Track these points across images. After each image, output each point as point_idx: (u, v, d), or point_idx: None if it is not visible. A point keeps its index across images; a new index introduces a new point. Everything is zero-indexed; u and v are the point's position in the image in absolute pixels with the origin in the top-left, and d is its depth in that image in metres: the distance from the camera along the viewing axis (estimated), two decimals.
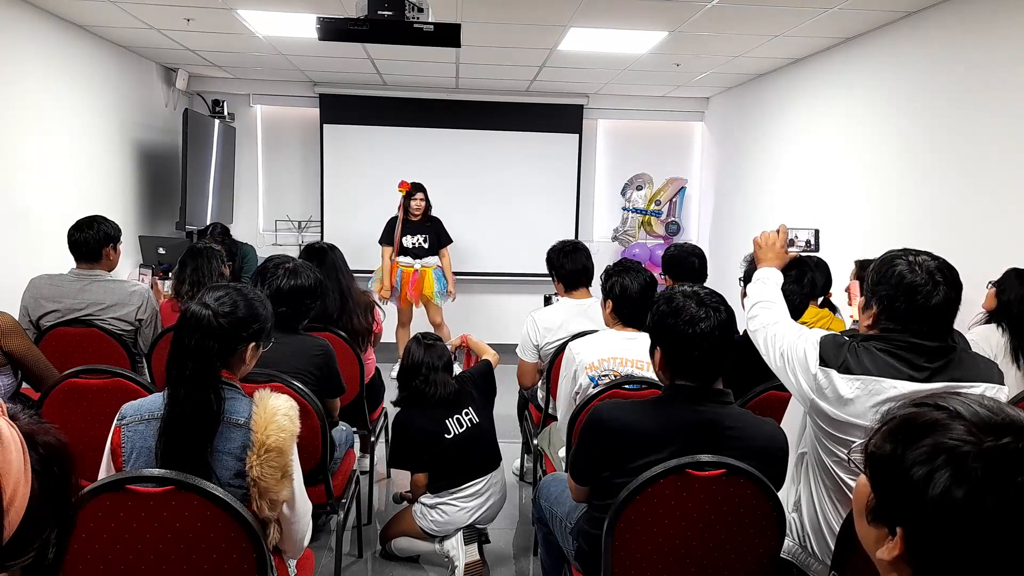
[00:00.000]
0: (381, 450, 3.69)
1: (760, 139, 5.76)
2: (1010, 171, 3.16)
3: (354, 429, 3.16)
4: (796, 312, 2.50)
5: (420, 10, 3.23)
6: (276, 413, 1.70)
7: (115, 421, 1.76)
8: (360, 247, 6.57)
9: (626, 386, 2.40)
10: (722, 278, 5.57)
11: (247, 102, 6.69)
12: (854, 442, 1.73)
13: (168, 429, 1.69)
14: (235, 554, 1.66)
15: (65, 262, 3.28)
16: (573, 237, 6.54)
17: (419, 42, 3.21)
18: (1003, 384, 1.77)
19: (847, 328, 3.02)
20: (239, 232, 6.33)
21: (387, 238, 5.71)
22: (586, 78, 6.04)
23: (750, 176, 5.95)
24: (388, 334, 3.90)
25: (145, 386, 2.42)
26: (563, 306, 3.25)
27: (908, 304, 1.71)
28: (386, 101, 6.67)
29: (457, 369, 3.22)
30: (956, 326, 1.83)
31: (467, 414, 2.95)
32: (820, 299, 3.13)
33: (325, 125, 6.68)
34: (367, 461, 3.47)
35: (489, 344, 3.43)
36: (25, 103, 4.12)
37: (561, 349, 2.88)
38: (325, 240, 4.47)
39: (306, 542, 1.90)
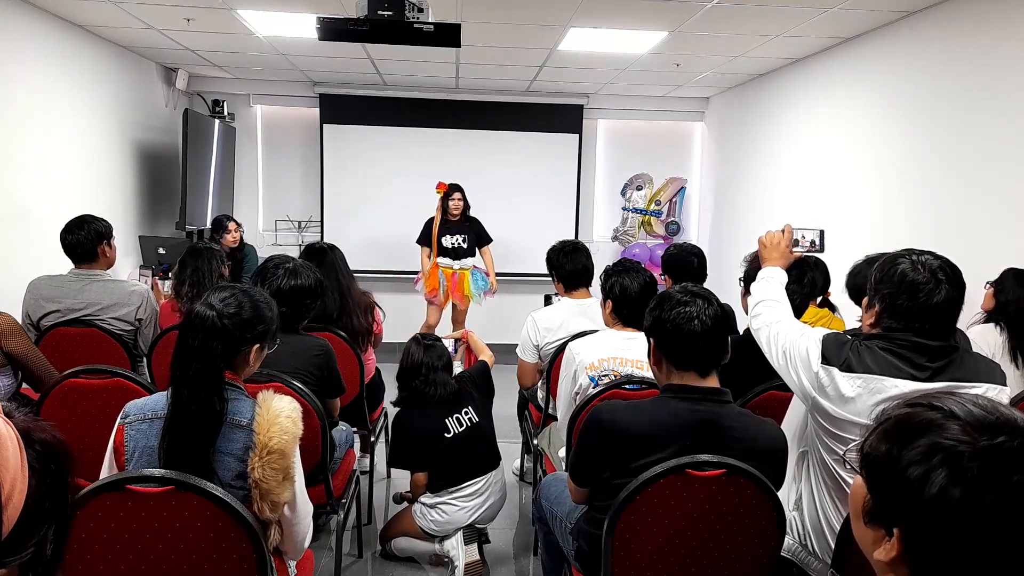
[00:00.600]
0: (381, 450, 3.69)
1: (760, 139, 5.76)
2: (1010, 171, 3.16)
3: (354, 429, 3.16)
4: (796, 312, 2.49)
5: (420, 10, 3.23)
6: (279, 415, 1.70)
7: (118, 419, 1.76)
8: (360, 247, 6.59)
9: (626, 386, 2.40)
10: (722, 278, 5.56)
11: (247, 102, 6.69)
12: (855, 440, 1.73)
13: (171, 429, 1.68)
14: (235, 555, 1.66)
15: (65, 262, 3.28)
16: (573, 237, 6.54)
17: (419, 42, 3.21)
18: (1005, 385, 1.76)
19: (847, 328, 3.02)
20: None
21: (425, 238, 5.71)
22: (586, 78, 6.03)
23: (750, 176, 5.94)
24: (390, 334, 3.89)
25: (145, 386, 2.43)
26: (563, 306, 3.25)
27: (910, 302, 1.71)
28: (386, 101, 6.67)
29: (457, 363, 3.22)
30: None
31: (467, 413, 2.96)
32: (819, 299, 3.13)
33: (325, 125, 6.67)
34: (367, 461, 3.48)
35: (488, 344, 3.44)
36: (25, 103, 4.12)
37: (561, 349, 2.88)
38: (325, 240, 4.48)
39: (307, 544, 1.90)
